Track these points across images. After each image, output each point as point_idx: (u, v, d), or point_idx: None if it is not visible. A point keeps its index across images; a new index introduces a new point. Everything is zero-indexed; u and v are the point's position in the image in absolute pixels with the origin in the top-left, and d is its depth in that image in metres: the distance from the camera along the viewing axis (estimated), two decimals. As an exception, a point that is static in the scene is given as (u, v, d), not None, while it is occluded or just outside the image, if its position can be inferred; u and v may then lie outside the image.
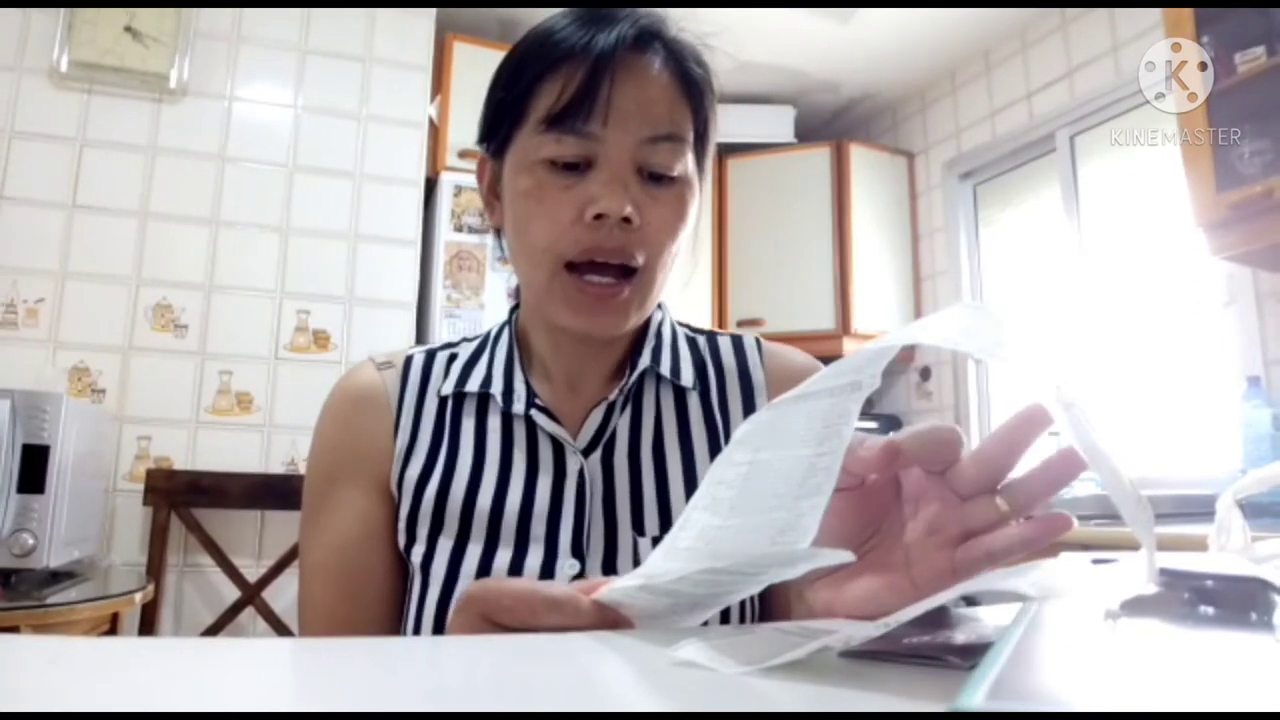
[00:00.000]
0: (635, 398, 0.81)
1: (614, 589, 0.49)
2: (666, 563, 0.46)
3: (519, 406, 0.78)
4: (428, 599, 0.73)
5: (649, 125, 0.71)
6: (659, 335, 0.83)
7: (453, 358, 0.84)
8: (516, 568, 0.72)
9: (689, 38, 0.78)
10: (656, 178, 0.73)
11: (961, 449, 0.46)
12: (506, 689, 0.36)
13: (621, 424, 0.79)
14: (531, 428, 0.78)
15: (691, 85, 0.75)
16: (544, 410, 0.78)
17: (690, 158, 0.75)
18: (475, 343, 0.86)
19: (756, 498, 0.45)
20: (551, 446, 0.78)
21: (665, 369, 0.81)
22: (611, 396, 0.78)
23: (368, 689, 0.35)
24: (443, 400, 0.81)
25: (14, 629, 1.65)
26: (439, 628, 0.71)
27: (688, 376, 0.82)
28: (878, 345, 0.42)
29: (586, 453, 0.77)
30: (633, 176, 0.72)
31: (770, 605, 0.77)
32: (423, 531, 0.75)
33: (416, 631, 0.73)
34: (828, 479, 0.44)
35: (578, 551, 0.73)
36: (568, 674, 0.40)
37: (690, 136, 0.75)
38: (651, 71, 0.73)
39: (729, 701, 0.33)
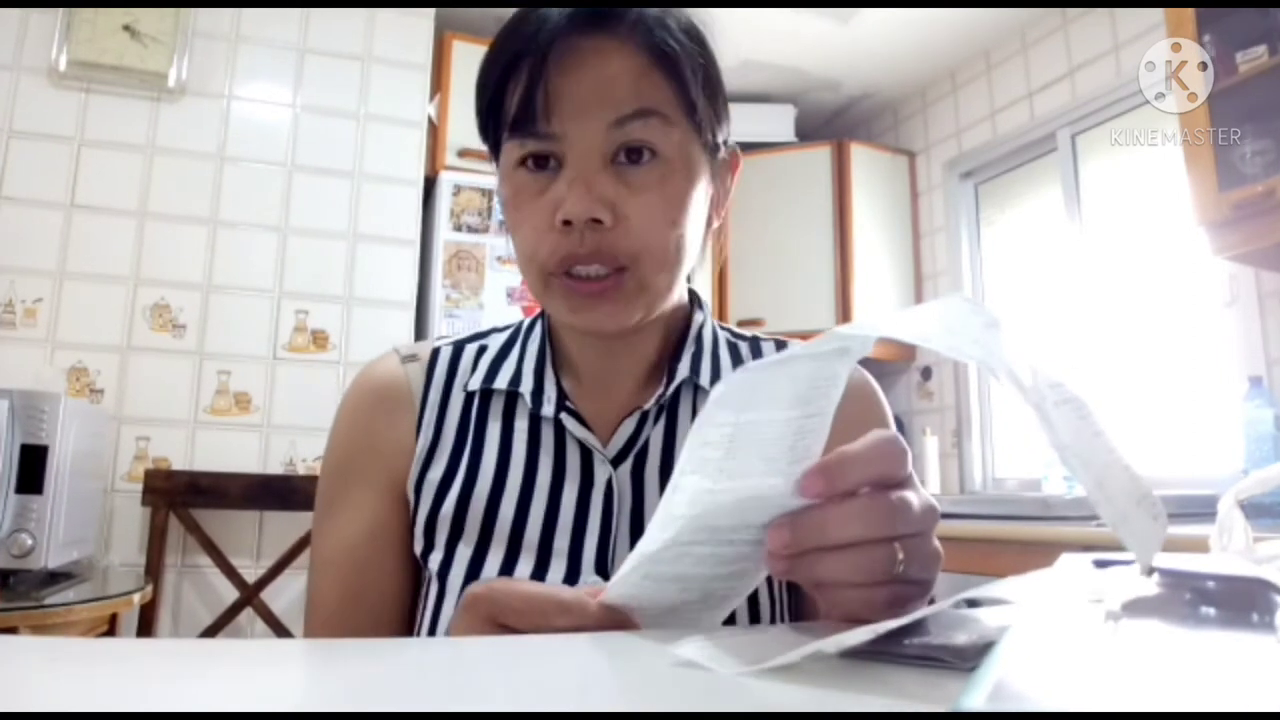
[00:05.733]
0: (670, 407, 0.76)
1: (618, 581, 0.48)
2: (663, 532, 0.46)
3: (548, 409, 0.74)
4: (444, 608, 0.70)
5: (611, 107, 0.66)
6: (699, 341, 0.78)
7: (482, 350, 0.80)
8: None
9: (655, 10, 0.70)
10: (636, 159, 0.67)
11: (899, 456, 0.46)
12: (504, 689, 0.36)
13: (655, 435, 0.75)
14: (560, 431, 0.74)
15: (661, 55, 0.68)
16: (574, 414, 0.74)
17: (679, 132, 0.69)
18: (505, 334, 0.82)
19: (745, 461, 0.45)
20: (579, 453, 0.74)
21: (705, 379, 0.76)
22: (646, 406, 0.74)
23: (367, 689, 0.35)
24: (469, 396, 0.78)
25: (12, 630, 1.64)
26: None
27: None
28: (872, 330, 0.41)
29: (616, 463, 0.73)
30: (602, 169, 0.66)
31: (803, 607, 0.75)
32: (441, 537, 0.72)
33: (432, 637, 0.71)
34: (816, 441, 0.44)
35: (602, 568, 0.70)
36: (567, 674, 0.40)
37: (672, 109, 0.68)
38: (606, 51, 0.67)
39: (729, 702, 0.33)
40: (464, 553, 0.71)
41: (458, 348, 0.81)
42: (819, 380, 0.44)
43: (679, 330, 0.79)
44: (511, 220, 0.71)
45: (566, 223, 0.65)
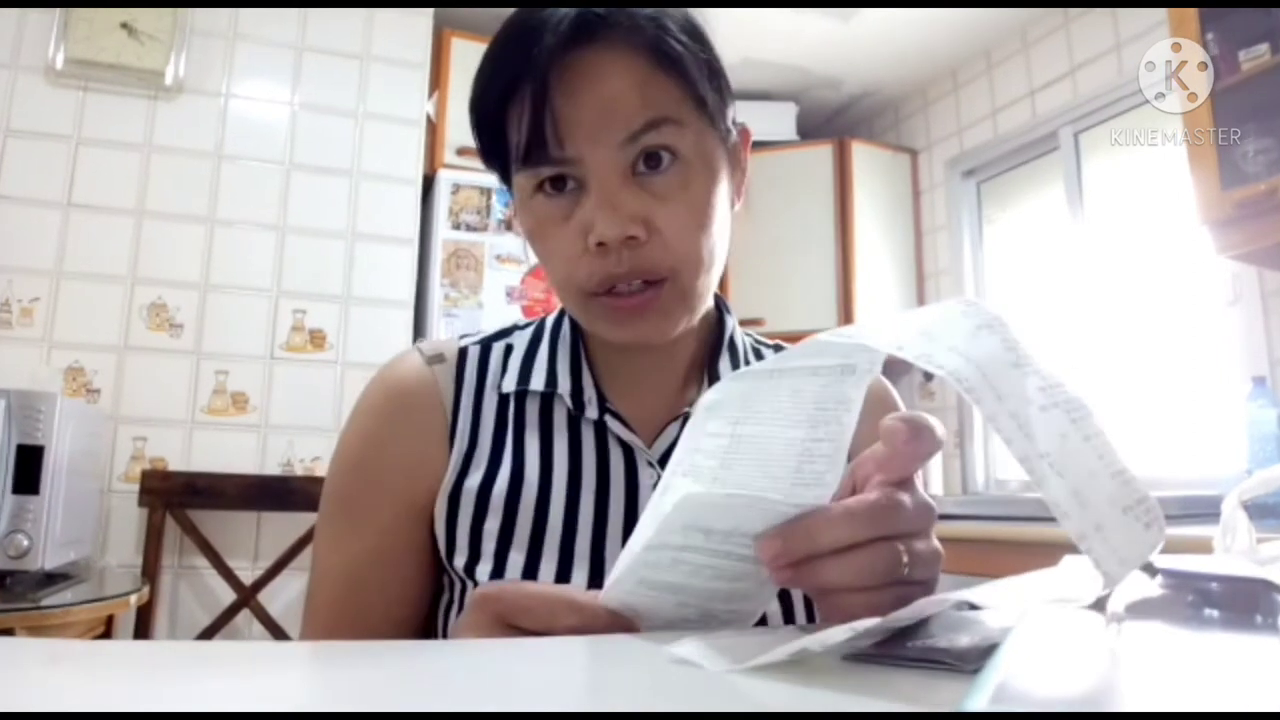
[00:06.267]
0: None
1: (614, 584, 0.48)
2: (652, 528, 0.45)
3: (592, 411, 0.73)
4: None
5: (622, 123, 0.64)
6: (733, 346, 0.79)
7: (508, 349, 0.78)
8: None
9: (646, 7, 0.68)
10: (656, 165, 0.66)
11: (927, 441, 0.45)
12: (500, 689, 0.36)
13: None
14: (601, 433, 0.73)
15: (663, 57, 0.65)
16: (616, 416, 0.73)
17: (692, 130, 0.67)
18: (529, 333, 0.80)
19: (743, 474, 0.44)
20: (623, 455, 0.73)
21: None
22: (690, 408, 0.72)
23: (365, 689, 0.35)
24: (503, 398, 0.75)
25: (9, 631, 1.63)
26: None
27: None
28: (849, 337, 0.40)
29: (662, 466, 0.72)
30: (626, 185, 0.65)
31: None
32: (489, 546, 0.69)
33: None
34: (829, 468, 0.43)
35: None
36: (564, 673, 0.40)
37: (685, 110, 0.66)
38: (606, 63, 0.65)
39: (729, 703, 0.33)
40: (516, 560, 0.69)
41: (485, 347, 0.79)
42: (826, 402, 0.43)
43: (713, 333, 0.79)
44: (540, 249, 0.70)
45: (601, 245, 0.64)
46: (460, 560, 0.70)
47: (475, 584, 0.70)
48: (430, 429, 0.74)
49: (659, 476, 0.67)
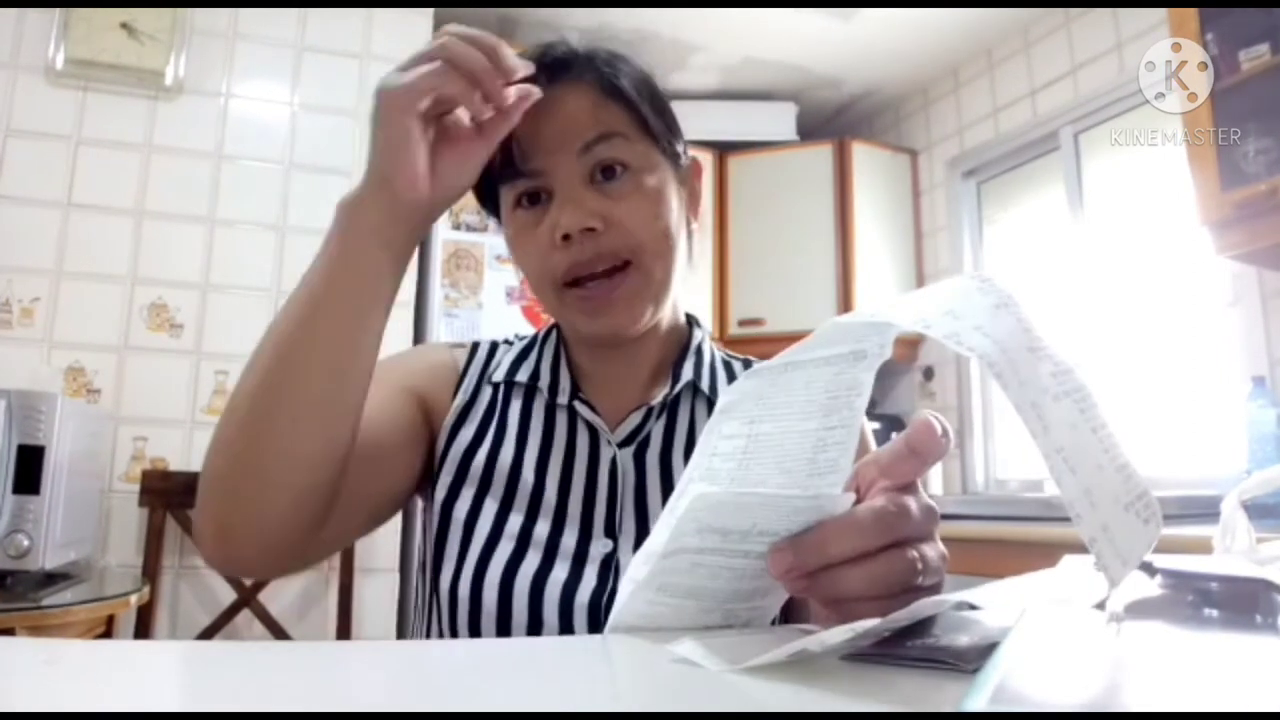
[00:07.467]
0: (672, 407, 0.87)
1: (632, 595, 0.48)
2: (667, 530, 0.45)
3: (563, 398, 0.85)
4: (469, 554, 0.79)
5: (577, 137, 0.77)
6: (699, 353, 0.90)
7: (507, 353, 0.93)
8: (554, 541, 0.78)
9: (602, 50, 0.83)
10: (611, 176, 0.78)
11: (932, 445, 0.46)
12: (499, 687, 0.36)
13: (657, 428, 0.86)
14: (572, 419, 0.85)
15: (610, 87, 0.80)
16: (585, 403, 0.85)
17: (641, 145, 0.80)
18: (525, 342, 0.94)
19: (760, 473, 0.44)
20: (589, 436, 0.84)
21: (705, 385, 0.88)
22: (653, 401, 0.85)
23: (366, 689, 0.35)
24: (495, 386, 0.89)
25: (9, 631, 1.63)
26: (479, 578, 0.76)
27: None
28: (870, 316, 0.40)
29: (621, 447, 0.84)
30: (586, 189, 0.77)
31: (792, 609, 0.78)
32: (469, 493, 0.82)
33: (457, 578, 0.77)
34: (843, 453, 0.44)
35: (610, 532, 0.80)
36: (564, 672, 0.40)
37: (632, 129, 0.80)
38: (565, 95, 0.78)
39: (731, 704, 0.33)
40: (490, 506, 0.81)
41: (493, 346, 0.94)
42: (838, 390, 0.43)
43: (679, 343, 0.91)
44: (518, 254, 0.82)
45: (566, 237, 0.76)
46: (442, 494, 0.83)
47: (450, 517, 0.81)
48: (448, 381, 0.89)
49: (617, 453, 0.83)
